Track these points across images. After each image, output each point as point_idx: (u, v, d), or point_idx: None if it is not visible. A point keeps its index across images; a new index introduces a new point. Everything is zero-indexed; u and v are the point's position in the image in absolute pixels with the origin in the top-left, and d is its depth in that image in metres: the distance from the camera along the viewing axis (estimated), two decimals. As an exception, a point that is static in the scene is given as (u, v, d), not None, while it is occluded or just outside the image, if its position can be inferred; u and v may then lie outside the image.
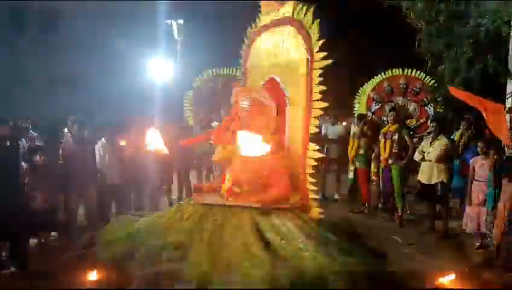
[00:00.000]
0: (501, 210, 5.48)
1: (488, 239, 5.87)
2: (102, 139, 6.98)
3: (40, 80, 17.49)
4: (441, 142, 6.84)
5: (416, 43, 9.69)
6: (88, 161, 6.54)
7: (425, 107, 9.41)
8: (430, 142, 6.96)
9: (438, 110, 9.35)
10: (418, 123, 9.30)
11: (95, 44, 16.92)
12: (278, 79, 5.39)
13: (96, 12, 17.33)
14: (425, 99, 9.41)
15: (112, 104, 13.53)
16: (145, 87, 14.77)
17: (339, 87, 12.71)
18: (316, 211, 5.02)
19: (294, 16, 5.23)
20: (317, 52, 4.90)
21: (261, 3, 5.72)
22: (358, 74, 12.59)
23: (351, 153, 8.38)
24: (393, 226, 7.26)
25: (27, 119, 9.03)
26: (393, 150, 7.31)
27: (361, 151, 8.19)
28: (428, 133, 9.32)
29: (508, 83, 7.51)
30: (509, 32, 7.34)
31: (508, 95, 7.42)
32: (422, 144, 7.32)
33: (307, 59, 4.95)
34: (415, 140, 9.07)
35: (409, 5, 9.16)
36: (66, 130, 6.85)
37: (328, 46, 4.90)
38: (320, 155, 5.06)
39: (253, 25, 5.92)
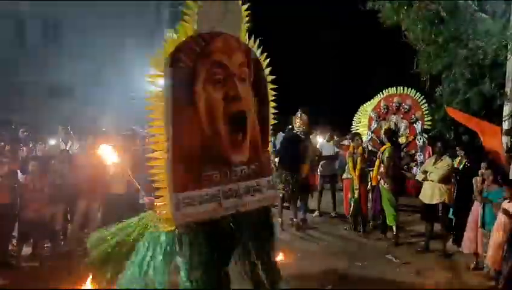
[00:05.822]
0: (496, 237, 5.36)
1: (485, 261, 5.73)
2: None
3: (37, 89, 17.53)
4: (445, 162, 6.76)
5: (415, 63, 9.77)
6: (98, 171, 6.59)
7: (414, 125, 9.43)
8: (434, 163, 6.89)
9: (426, 127, 9.37)
10: (409, 141, 9.32)
11: (92, 53, 16.98)
12: None
13: (95, 21, 17.37)
14: (413, 116, 9.42)
15: (109, 114, 13.49)
16: (141, 97, 14.75)
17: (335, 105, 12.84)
18: None
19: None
20: None
21: None
22: (357, 92, 12.63)
23: (355, 171, 7.85)
24: (389, 245, 7.18)
25: (25, 128, 9.04)
26: (381, 170, 7.33)
27: (365, 169, 8.12)
28: (415, 151, 9.36)
29: (505, 105, 7.55)
30: (506, 56, 7.40)
31: (506, 117, 7.45)
32: (425, 164, 7.31)
33: None
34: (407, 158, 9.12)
35: (408, 26, 9.24)
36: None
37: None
38: None
39: None
